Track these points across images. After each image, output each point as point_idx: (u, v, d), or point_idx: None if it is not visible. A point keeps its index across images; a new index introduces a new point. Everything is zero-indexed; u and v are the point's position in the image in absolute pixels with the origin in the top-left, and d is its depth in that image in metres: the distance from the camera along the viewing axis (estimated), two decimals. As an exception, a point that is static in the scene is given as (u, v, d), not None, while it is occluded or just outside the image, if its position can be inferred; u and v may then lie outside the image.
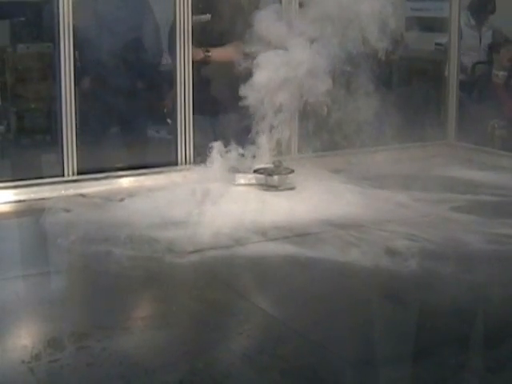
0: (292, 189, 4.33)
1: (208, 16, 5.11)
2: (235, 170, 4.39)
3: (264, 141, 4.48)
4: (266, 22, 4.41)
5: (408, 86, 5.92)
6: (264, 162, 4.43)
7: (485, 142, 5.50)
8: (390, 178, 4.65)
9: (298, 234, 3.65)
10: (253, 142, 4.45)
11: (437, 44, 6.34)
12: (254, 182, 4.35)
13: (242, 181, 4.33)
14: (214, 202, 3.97)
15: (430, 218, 3.93)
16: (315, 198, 4.15)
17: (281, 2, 4.91)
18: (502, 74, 5.72)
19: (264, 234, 3.62)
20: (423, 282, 3.11)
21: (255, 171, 4.40)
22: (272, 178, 4.36)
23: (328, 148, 5.07)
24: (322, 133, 4.95)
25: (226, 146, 4.42)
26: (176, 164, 4.71)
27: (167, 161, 4.73)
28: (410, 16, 6.30)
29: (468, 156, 5.31)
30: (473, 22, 6.36)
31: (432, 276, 3.13)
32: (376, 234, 3.64)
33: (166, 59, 5.20)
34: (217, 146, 4.43)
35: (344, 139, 5.23)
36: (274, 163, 4.42)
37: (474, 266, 3.26)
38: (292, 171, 4.42)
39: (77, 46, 4.37)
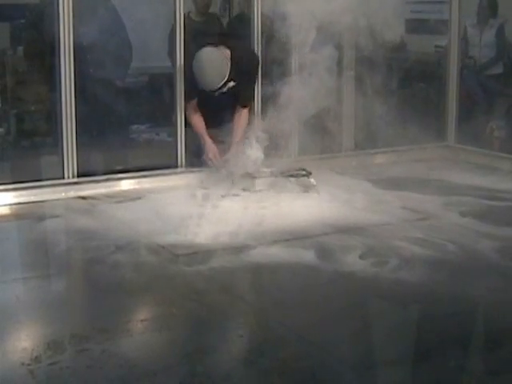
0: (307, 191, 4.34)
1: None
2: (250, 176, 4.39)
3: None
4: None
5: (408, 88, 5.95)
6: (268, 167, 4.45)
7: (484, 143, 5.53)
8: (396, 180, 4.68)
9: (297, 236, 3.66)
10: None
11: (436, 46, 6.33)
12: (273, 186, 4.34)
13: (262, 186, 4.34)
14: (217, 206, 4.00)
15: (433, 221, 3.93)
16: (333, 199, 4.21)
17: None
18: None
19: (266, 238, 3.61)
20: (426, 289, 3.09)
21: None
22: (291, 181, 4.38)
23: (328, 150, 5.07)
24: (322, 135, 4.95)
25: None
26: (176, 167, 4.71)
27: (167, 163, 4.73)
28: (410, 18, 6.29)
29: (468, 159, 5.32)
30: (475, 22, 6.39)
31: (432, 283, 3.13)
32: (379, 237, 3.64)
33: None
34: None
35: (344, 141, 5.25)
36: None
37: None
38: (310, 173, 4.42)
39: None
